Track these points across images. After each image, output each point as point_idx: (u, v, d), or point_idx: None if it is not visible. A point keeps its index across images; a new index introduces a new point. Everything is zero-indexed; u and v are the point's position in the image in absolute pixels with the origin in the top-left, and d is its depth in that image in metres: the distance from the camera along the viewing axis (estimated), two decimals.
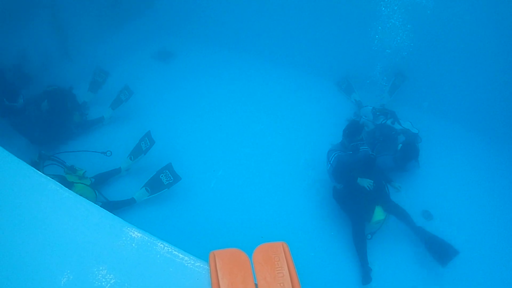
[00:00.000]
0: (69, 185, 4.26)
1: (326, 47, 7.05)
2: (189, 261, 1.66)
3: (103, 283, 1.57)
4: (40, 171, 3.81)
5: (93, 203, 1.82)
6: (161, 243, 1.70)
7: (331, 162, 4.72)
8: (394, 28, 5.93)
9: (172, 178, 4.70)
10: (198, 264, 1.65)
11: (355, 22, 6.55)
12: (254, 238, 4.59)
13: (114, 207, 4.67)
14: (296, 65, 7.39)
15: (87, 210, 1.79)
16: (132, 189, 4.88)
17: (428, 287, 4.37)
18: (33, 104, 5.27)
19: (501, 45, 5.71)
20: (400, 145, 5.27)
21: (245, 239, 4.50)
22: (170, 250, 1.68)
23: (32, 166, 3.77)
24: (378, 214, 4.41)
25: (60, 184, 1.87)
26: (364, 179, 4.45)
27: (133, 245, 1.68)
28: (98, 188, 4.68)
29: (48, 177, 1.90)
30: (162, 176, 4.73)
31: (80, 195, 3.94)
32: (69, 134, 5.62)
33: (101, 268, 1.61)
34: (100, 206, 4.21)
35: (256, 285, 1.51)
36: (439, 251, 4.34)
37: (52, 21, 5.96)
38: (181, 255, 1.67)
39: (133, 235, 1.71)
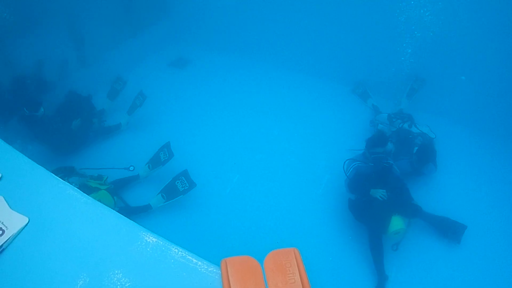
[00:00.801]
0: (91, 190, 4.37)
1: (341, 51, 7.03)
2: (202, 266, 1.67)
3: (118, 287, 1.60)
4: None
5: (110, 208, 1.85)
6: (175, 248, 1.72)
7: (347, 173, 4.64)
8: (413, 32, 5.88)
9: (187, 184, 4.74)
10: (211, 269, 1.67)
11: (371, 26, 6.52)
12: (268, 244, 4.59)
13: (131, 212, 4.75)
14: (311, 71, 7.40)
15: (104, 215, 1.83)
16: (149, 195, 4.94)
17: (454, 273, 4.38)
18: (56, 113, 5.42)
19: None
20: (416, 148, 5.20)
21: (259, 245, 4.54)
22: (184, 255, 1.70)
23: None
24: (396, 224, 4.28)
25: (78, 190, 1.91)
26: (377, 190, 4.35)
27: (148, 249, 1.71)
28: (117, 193, 4.77)
29: (66, 183, 1.95)
30: (177, 182, 4.78)
31: (99, 200, 4.09)
32: (88, 141, 5.74)
33: (116, 271, 1.64)
34: (118, 211, 4.33)
35: None
36: (449, 230, 4.55)
37: (69, 29, 6.11)
38: (194, 260, 1.69)
39: (148, 240, 1.74)
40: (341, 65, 7.06)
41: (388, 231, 4.29)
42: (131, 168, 5.09)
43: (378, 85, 6.70)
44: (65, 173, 4.39)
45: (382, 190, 4.32)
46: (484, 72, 5.96)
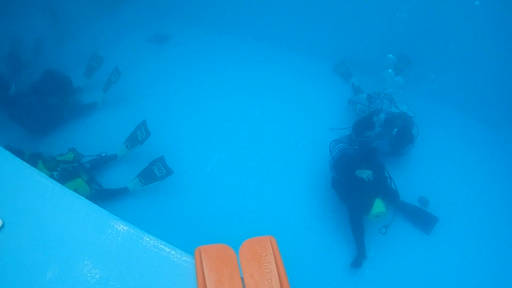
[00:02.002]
0: (68, 175, 4.28)
1: (325, 26, 6.87)
2: (175, 255, 1.63)
3: (88, 278, 1.54)
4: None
5: (79, 195, 1.77)
6: (147, 237, 1.67)
7: (333, 154, 4.64)
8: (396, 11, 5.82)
9: (164, 171, 4.65)
10: (185, 258, 1.63)
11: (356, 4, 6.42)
12: (247, 227, 4.60)
13: (108, 194, 4.67)
14: (293, 46, 7.26)
15: (73, 203, 1.76)
16: (126, 177, 4.85)
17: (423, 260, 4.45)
18: (31, 90, 5.22)
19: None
20: (396, 129, 5.22)
21: (238, 228, 4.54)
22: (156, 243, 1.66)
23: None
24: (378, 206, 4.29)
25: (44, 175, 1.83)
26: (364, 170, 4.35)
27: (119, 238, 1.66)
28: (94, 179, 4.67)
29: (32, 168, 1.85)
30: (154, 168, 4.67)
31: (75, 189, 3.99)
32: (63, 119, 5.58)
33: (86, 262, 1.59)
34: (94, 193, 4.24)
35: (243, 281, 1.49)
36: (421, 221, 4.64)
37: (45, 6, 5.84)
38: (167, 249, 1.65)
39: (118, 228, 1.69)
40: (324, 41, 6.95)
41: (370, 213, 4.31)
42: (103, 154, 4.96)
43: (361, 62, 6.64)
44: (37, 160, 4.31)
45: (369, 171, 4.32)
46: (470, 52, 5.95)
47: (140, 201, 4.79)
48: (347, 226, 4.45)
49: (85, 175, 4.53)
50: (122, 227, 1.69)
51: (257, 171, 5.25)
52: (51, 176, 4.01)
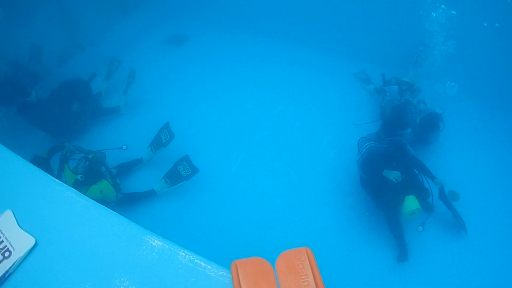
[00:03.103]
0: (94, 177, 4.30)
1: (344, 22, 6.73)
2: (212, 270, 1.59)
3: None
4: (49, 167, 3.85)
5: (112, 211, 1.75)
6: (182, 251, 1.64)
7: (361, 152, 4.51)
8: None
9: (190, 170, 4.66)
10: (221, 272, 1.58)
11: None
12: (275, 231, 4.52)
13: (135, 198, 4.71)
14: (313, 43, 7.14)
15: (106, 219, 1.73)
16: (152, 180, 4.87)
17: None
18: (50, 96, 5.29)
19: None
20: (419, 117, 5.09)
21: (266, 233, 4.47)
22: (192, 258, 1.61)
23: (40, 162, 3.82)
24: (410, 204, 4.14)
25: (77, 191, 1.81)
26: (391, 171, 4.17)
27: (154, 254, 1.63)
28: (120, 177, 4.71)
29: (65, 184, 1.84)
30: (180, 168, 4.69)
31: (101, 191, 3.99)
32: (87, 124, 5.65)
33: (122, 279, 1.56)
34: (122, 198, 4.26)
35: None
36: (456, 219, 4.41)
37: (61, 13, 5.89)
38: (203, 264, 1.60)
39: (153, 244, 1.65)
40: (344, 37, 6.82)
41: (403, 213, 4.18)
42: (124, 147, 4.94)
43: (384, 55, 6.46)
44: (59, 150, 4.35)
45: (397, 172, 4.14)
46: (500, 43, 5.70)
47: (168, 203, 4.81)
48: (383, 224, 4.35)
49: (111, 180, 4.57)
50: (156, 242, 1.65)
51: (283, 170, 5.19)
52: (76, 181, 4.09)
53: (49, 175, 1.89)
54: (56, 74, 5.66)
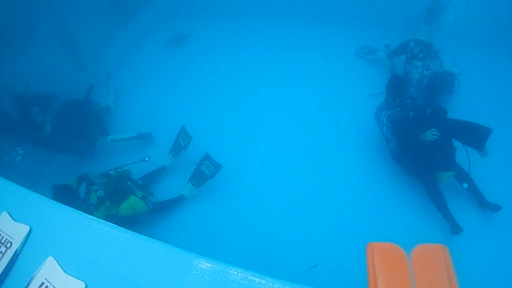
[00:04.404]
0: (121, 195, 4.31)
1: None
2: (267, 284, 1.53)
3: None
4: (77, 194, 3.88)
5: (155, 239, 1.71)
6: (233, 270, 1.59)
7: (384, 122, 4.35)
8: None
9: (213, 167, 4.65)
10: (277, 285, 1.53)
11: None
12: (310, 221, 4.45)
13: (166, 206, 4.72)
14: (315, 21, 6.92)
15: (151, 249, 1.69)
16: (179, 184, 4.88)
17: None
18: (57, 119, 5.31)
19: None
20: (425, 80, 4.90)
21: (301, 221, 4.42)
22: (245, 275, 1.56)
23: (69, 190, 3.85)
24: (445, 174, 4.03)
25: (115, 225, 1.78)
26: (425, 132, 3.93)
27: (206, 277, 1.58)
28: (148, 192, 4.71)
29: (101, 220, 1.81)
30: (203, 167, 4.68)
31: (132, 207, 4.00)
32: (102, 129, 5.71)
33: None
34: (152, 208, 4.28)
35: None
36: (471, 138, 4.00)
37: (58, 37, 5.82)
38: (257, 279, 1.55)
39: (203, 267, 1.61)
40: (341, 7, 6.60)
41: (444, 176, 4.04)
42: (147, 158, 4.93)
43: (388, 18, 6.23)
44: (86, 179, 4.38)
45: (431, 130, 3.90)
46: None
47: (199, 206, 4.81)
48: (425, 197, 4.20)
49: (139, 192, 4.57)
50: (206, 264, 1.61)
51: (307, 153, 5.10)
52: (98, 198, 4.11)
53: (84, 214, 1.86)
54: (61, 96, 5.60)
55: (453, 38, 5.69)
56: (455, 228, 3.94)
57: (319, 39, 6.72)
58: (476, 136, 3.93)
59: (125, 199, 4.28)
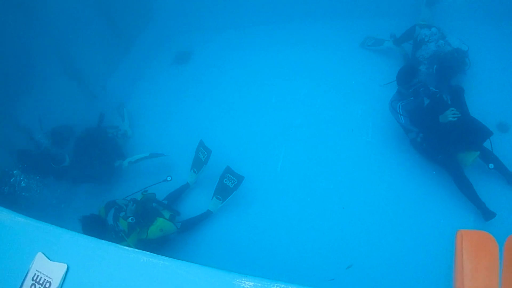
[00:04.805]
0: (148, 218, 4.32)
1: None
2: None
3: None
4: (105, 221, 3.90)
5: (193, 263, 1.69)
6: (276, 285, 1.56)
7: (400, 112, 4.31)
8: None
9: (235, 179, 4.66)
10: None
11: None
12: (339, 214, 4.43)
13: (194, 223, 4.73)
14: (321, 13, 6.82)
15: (188, 273, 1.68)
16: (204, 200, 4.89)
17: None
18: (77, 150, 5.37)
19: None
20: (435, 66, 4.85)
21: (330, 219, 4.38)
22: None
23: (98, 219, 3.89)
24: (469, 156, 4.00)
25: (151, 254, 1.77)
26: (444, 113, 3.93)
27: None
28: (174, 211, 4.72)
29: (137, 250, 1.80)
30: (225, 180, 4.69)
31: (160, 229, 4.01)
32: (121, 156, 5.69)
33: None
34: (180, 227, 4.28)
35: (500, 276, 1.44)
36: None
37: (64, 69, 5.90)
38: None
39: (245, 286, 1.58)
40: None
41: (467, 160, 4.01)
42: (169, 178, 4.93)
43: (393, 4, 6.15)
44: (113, 206, 4.40)
45: (450, 109, 3.90)
46: None
47: (226, 219, 4.79)
48: (453, 185, 4.13)
49: (167, 212, 4.58)
50: (248, 283, 1.58)
51: (328, 152, 5.06)
52: (129, 224, 4.12)
53: (119, 246, 1.86)
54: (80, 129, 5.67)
55: (456, 18, 5.58)
56: (487, 214, 3.87)
57: (323, 36, 6.66)
58: (476, 136, 4.05)
59: (153, 221, 4.29)
